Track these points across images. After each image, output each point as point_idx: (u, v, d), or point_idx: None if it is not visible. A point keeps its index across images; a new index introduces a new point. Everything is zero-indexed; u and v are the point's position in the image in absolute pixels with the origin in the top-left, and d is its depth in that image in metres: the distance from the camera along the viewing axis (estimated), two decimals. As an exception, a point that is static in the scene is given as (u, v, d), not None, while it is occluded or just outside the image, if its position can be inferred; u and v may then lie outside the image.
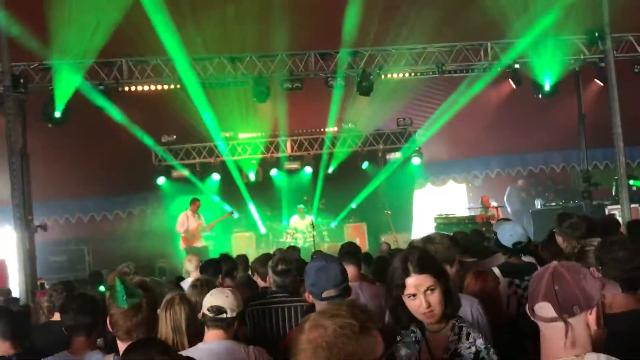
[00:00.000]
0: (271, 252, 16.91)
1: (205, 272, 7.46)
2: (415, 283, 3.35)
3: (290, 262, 6.24)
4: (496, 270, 5.86)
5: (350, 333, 2.22)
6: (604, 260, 3.67)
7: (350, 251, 6.78)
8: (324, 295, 3.96)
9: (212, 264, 7.75)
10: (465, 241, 8.26)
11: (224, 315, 4.14)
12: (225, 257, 8.38)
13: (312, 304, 4.12)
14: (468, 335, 3.37)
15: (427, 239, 4.95)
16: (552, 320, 2.45)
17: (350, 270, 6.47)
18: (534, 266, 5.83)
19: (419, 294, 3.33)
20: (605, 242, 3.79)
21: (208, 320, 4.20)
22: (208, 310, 4.17)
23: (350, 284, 4.37)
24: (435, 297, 3.34)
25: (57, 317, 5.58)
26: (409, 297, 3.36)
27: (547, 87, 14.98)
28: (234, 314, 4.18)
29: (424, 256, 3.48)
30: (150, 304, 3.65)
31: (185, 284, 7.59)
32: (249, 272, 8.07)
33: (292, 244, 16.79)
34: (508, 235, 6.13)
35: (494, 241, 6.48)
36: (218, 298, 4.20)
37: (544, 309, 2.47)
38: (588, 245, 4.36)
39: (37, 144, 14.36)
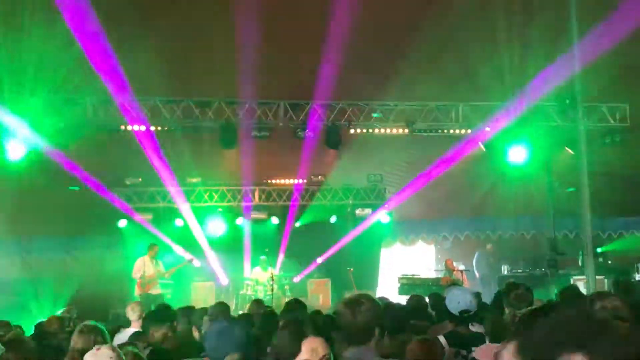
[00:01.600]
0: (231, 303, 16.76)
1: (150, 323, 7.03)
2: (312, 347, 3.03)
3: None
4: (442, 339, 5.54)
5: None
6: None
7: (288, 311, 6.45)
8: (227, 360, 3.58)
9: (155, 315, 7.31)
10: (419, 305, 7.98)
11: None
12: (164, 308, 7.95)
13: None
14: None
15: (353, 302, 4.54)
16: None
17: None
18: (482, 337, 5.51)
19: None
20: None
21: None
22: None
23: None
24: None
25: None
26: None
27: (517, 152, 14.87)
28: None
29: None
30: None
31: (123, 335, 7.17)
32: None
33: (252, 296, 16.39)
34: (455, 302, 5.85)
35: (432, 308, 6.19)
36: None
37: None
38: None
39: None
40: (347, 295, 15.23)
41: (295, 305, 7.48)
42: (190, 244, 17.84)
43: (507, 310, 5.79)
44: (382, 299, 8.67)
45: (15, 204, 16.19)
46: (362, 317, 4.03)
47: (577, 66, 12.86)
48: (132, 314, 8.43)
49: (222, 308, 8.22)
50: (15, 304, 17.01)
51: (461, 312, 5.74)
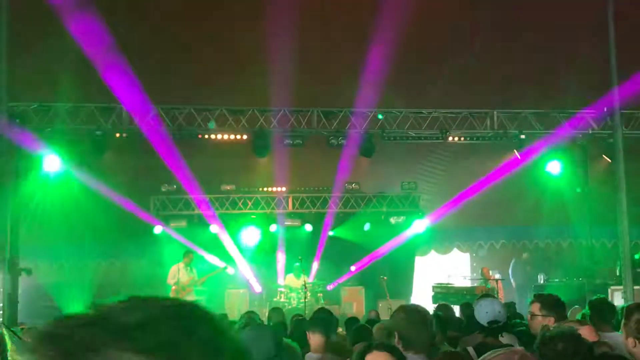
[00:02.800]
0: (264, 310, 16.80)
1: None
2: None
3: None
4: (471, 351, 5.46)
5: None
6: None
7: (317, 318, 6.40)
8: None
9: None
10: (449, 315, 7.90)
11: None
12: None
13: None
14: None
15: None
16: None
17: (316, 339, 6.08)
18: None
19: None
20: (545, 336, 3.45)
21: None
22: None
23: (312, 355, 4.03)
24: None
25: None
26: None
27: (553, 160, 14.68)
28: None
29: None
30: None
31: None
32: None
33: (285, 304, 16.39)
34: (484, 312, 5.75)
35: (466, 318, 6.12)
36: None
37: None
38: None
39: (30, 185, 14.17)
40: (380, 304, 15.21)
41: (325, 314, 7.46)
42: (224, 252, 17.92)
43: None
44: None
45: (52, 210, 16.51)
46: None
47: (615, 74, 12.68)
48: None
49: (251, 317, 8.26)
50: (53, 309, 17.31)
51: (490, 323, 5.65)
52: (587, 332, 4.22)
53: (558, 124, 14.56)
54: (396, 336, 4.08)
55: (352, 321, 8.37)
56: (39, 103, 13.59)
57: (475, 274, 19.29)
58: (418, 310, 4.22)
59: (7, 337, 3.20)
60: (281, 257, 18.38)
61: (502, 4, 14.36)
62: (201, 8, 13.08)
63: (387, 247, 18.31)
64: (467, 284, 17.80)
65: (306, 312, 14.42)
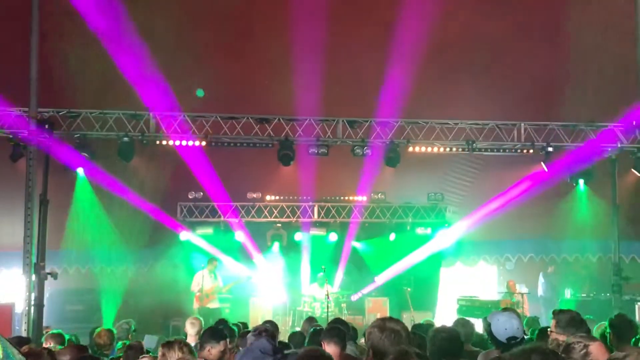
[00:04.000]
0: (288, 319, 16.78)
1: (207, 339, 7.09)
2: None
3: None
4: (486, 366, 5.40)
5: None
6: None
7: (333, 329, 6.35)
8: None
9: (212, 331, 7.35)
10: (468, 331, 7.77)
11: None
12: (221, 325, 8.06)
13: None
14: None
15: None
16: None
17: (332, 350, 6.05)
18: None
19: None
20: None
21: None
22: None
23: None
24: None
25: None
26: None
27: (582, 173, 14.51)
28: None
29: None
30: None
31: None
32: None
33: (309, 313, 16.35)
34: (502, 329, 5.67)
35: (487, 333, 6.03)
36: None
37: None
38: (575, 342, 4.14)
39: (58, 191, 14.32)
40: (404, 316, 15.13)
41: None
42: (249, 259, 17.98)
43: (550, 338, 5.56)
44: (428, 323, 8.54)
45: (80, 217, 16.73)
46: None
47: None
48: (192, 328, 8.55)
49: (269, 326, 8.28)
50: (82, 313, 17.51)
51: (508, 339, 5.57)
52: (595, 349, 4.11)
53: (586, 137, 14.36)
54: (370, 353, 4.05)
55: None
56: (67, 110, 13.74)
57: (502, 287, 19.08)
58: (393, 326, 4.16)
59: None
60: (306, 266, 18.38)
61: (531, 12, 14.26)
62: (225, 18, 13.17)
63: (412, 258, 18.21)
64: (494, 297, 17.59)
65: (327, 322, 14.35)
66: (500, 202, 17.84)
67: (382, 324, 4.36)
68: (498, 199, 17.64)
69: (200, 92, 16.16)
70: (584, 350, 4.07)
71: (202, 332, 8.03)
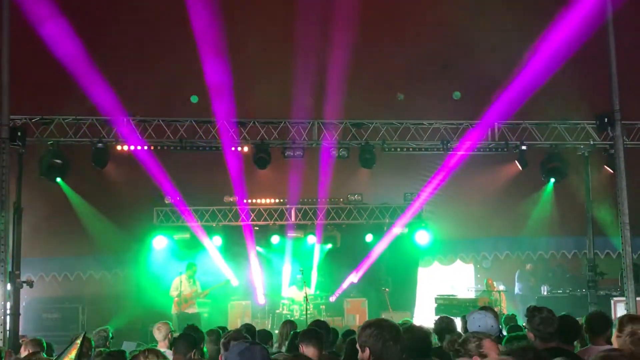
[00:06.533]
0: (267, 322, 16.75)
1: (177, 345, 7.06)
2: None
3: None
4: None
5: None
6: None
7: (310, 331, 6.38)
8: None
9: (184, 338, 7.32)
10: (451, 327, 7.83)
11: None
12: (192, 331, 8.02)
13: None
14: None
15: None
16: None
17: (310, 352, 6.08)
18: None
19: None
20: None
21: None
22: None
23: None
24: None
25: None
26: None
27: (555, 171, 14.67)
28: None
29: None
30: None
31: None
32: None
33: (288, 315, 16.37)
34: (476, 326, 5.74)
35: (463, 332, 6.09)
36: None
37: None
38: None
39: (31, 199, 14.19)
40: (383, 316, 15.19)
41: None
42: (227, 264, 17.93)
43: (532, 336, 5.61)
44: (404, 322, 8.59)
45: (54, 225, 16.60)
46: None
47: (615, 82, 12.66)
48: (159, 334, 8.46)
49: (246, 328, 8.28)
50: (59, 321, 17.38)
51: (483, 337, 5.61)
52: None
53: (559, 135, 14.53)
54: (367, 351, 4.07)
55: (349, 333, 8.34)
56: (40, 116, 13.63)
57: (479, 285, 19.24)
58: (389, 325, 4.20)
59: None
60: (285, 269, 18.37)
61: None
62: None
63: (389, 258, 18.29)
64: (471, 295, 17.73)
65: (308, 324, 14.37)
66: (475, 201, 18.02)
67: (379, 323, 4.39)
68: (473, 198, 17.80)
69: (194, 98, 16.16)
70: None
71: (172, 337, 8.01)
